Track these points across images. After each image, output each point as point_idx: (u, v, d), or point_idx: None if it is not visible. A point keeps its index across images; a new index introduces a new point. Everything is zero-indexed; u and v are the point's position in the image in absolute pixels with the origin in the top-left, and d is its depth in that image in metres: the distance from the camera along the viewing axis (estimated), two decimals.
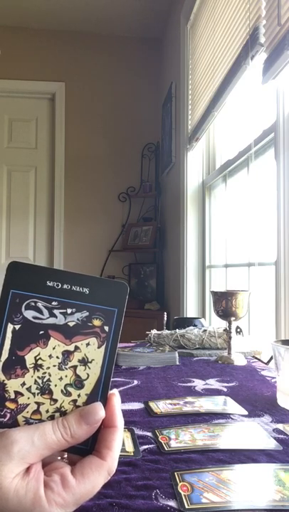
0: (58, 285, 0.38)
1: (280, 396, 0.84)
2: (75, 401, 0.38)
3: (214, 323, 2.17)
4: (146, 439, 0.67)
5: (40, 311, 0.38)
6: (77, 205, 3.65)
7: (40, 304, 0.38)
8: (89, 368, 0.38)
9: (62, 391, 0.38)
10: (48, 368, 0.38)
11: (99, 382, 0.38)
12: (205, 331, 1.40)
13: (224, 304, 1.20)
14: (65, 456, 0.39)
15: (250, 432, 0.70)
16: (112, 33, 3.71)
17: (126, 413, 0.79)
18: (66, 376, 0.38)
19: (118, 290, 0.38)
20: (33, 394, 0.37)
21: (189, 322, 1.62)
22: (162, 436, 0.67)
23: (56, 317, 0.38)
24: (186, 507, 0.47)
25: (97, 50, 3.72)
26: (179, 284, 2.82)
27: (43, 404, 0.38)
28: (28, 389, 0.37)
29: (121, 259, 3.64)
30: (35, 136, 3.72)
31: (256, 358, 1.30)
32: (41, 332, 0.38)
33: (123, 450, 0.62)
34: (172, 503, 0.48)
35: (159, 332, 1.44)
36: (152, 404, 0.83)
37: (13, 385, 0.37)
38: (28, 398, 0.37)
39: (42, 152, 3.71)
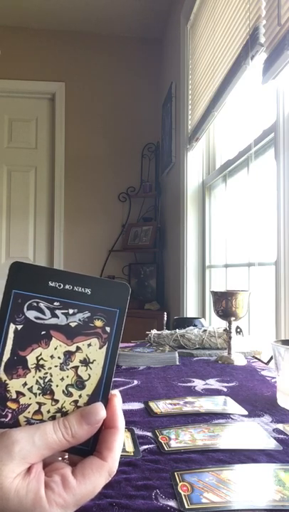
0: (60, 285, 0.38)
1: (280, 396, 0.84)
2: (76, 401, 0.38)
3: (214, 323, 2.17)
4: (146, 439, 0.67)
5: (42, 312, 0.38)
6: (77, 205, 3.65)
7: (42, 305, 0.38)
8: (90, 369, 0.38)
9: (63, 391, 0.38)
10: (50, 368, 0.38)
11: (100, 382, 0.38)
12: (205, 331, 1.40)
13: (224, 303, 1.20)
14: (66, 456, 0.39)
15: (250, 432, 0.70)
16: (112, 33, 3.71)
17: (126, 413, 0.79)
18: (68, 377, 0.38)
19: (120, 291, 0.38)
20: (35, 394, 0.37)
21: (189, 322, 1.62)
22: (162, 436, 0.67)
23: (58, 317, 0.38)
24: (186, 507, 0.47)
25: (97, 50, 3.72)
26: (179, 284, 2.82)
27: (45, 404, 0.38)
28: (30, 389, 0.37)
29: (121, 259, 3.64)
30: (35, 136, 3.72)
31: (256, 358, 1.30)
32: (43, 332, 0.38)
33: (123, 450, 0.62)
34: (172, 503, 0.48)
35: (159, 332, 1.44)
36: (152, 404, 0.83)
37: (14, 385, 0.37)
38: (30, 398, 0.37)
39: (42, 152, 3.71)
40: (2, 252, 3.64)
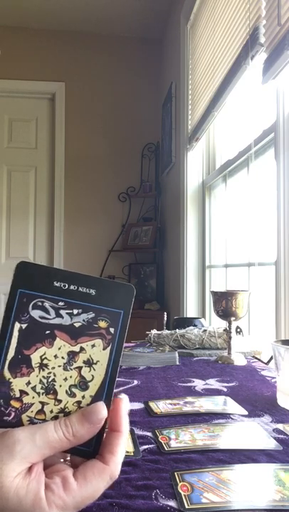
0: (64, 286, 0.38)
1: (280, 396, 0.84)
2: (79, 402, 0.38)
3: (214, 323, 2.17)
4: (146, 439, 0.67)
5: (47, 311, 0.38)
6: (77, 205, 3.65)
7: (47, 304, 0.38)
8: (94, 370, 0.38)
9: (66, 392, 0.38)
10: (53, 367, 0.38)
11: (103, 384, 0.38)
12: (205, 331, 1.40)
13: (224, 303, 1.20)
14: (68, 458, 0.39)
15: (250, 432, 0.70)
16: (112, 33, 3.71)
17: None
18: (71, 377, 0.38)
19: (125, 292, 0.38)
20: (38, 393, 0.37)
21: (189, 322, 1.62)
22: (162, 436, 0.67)
23: (62, 317, 0.38)
24: (186, 507, 0.47)
25: (97, 50, 3.72)
26: (179, 284, 2.82)
27: (48, 404, 0.38)
28: (33, 388, 0.37)
29: (121, 259, 3.64)
30: (35, 136, 3.72)
31: (256, 358, 1.30)
32: (47, 332, 0.38)
33: None
34: (172, 503, 0.48)
35: (159, 332, 1.44)
36: (152, 404, 0.83)
37: (18, 383, 0.37)
38: (33, 397, 0.37)
39: (42, 152, 3.71)
40: (2, 252, 3.64)
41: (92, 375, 0.38)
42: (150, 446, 0.64)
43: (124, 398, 0.39)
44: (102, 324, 0.38)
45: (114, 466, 0.36)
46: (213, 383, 1.00)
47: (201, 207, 2.70)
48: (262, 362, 1.25)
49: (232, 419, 0.76)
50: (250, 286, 1.89)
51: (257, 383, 1.00)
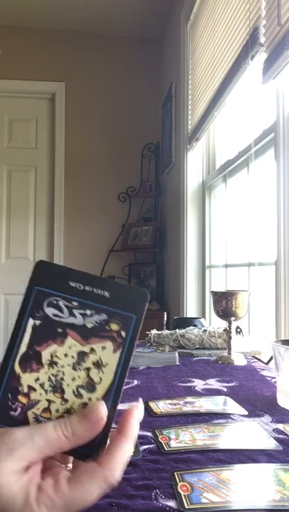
0: (80, 286, 0.39)
1: (280, 396, 0.84)
2: (85, 404, 0.38)
3: (214, 323, 2.17)
4: (146, 439, 0.67)
5: (61, 310, 0.38)
6: (77, 205, 3.65)
7: (61, 303, 0.38)
8: (102, 372, 0.38)
9: (74, 392, 0.38)
10: (63, 366, 0.38)
11: (111, 387, 0.38)
12: (205, 331, 1.40)
13: (224, 303, 1.20)
14: (70, 465, 0.39)
15: (250, 432, 0.70)
16: (112, 33, 3.71)
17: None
18: (79, 377, 0.38)
19: (139, 297, 0.38)
20: (46, 391, 0.37)
21: (189, 322, 1.62)
22: (162, 436, 0.67)
23: (75, 317, 0.38)
24: (186, 507, 0.47)
25: (97, 50, 3.72)
26: (179, 284, 2.82)
27: (54, 402, 0.38)
28: (42, 385, 0.37)
29: (121, 259, 3.64)
30: (35, 136, 3.72)
31: (256, 358, 1.30)
32: (60, 330, 0.38)
33: None
34: (172, 503, 0.48)
35: (159, 332, 1.44)
36: (152, 404, 0.83)
37: (27, 379, 0.37)
38: (40, 394, 0.37)
39: (42, 152, 3.71)
40: (2, 252, 3.63)
41: (101, 378, 0.37)
42: (150, 446, 0.64)
43: (139, 405, 0.38)
44: (114, 327, 0.38)
45: (109, 470, 0.35)
46: (213, 383, 1.00)
47: (201, 207, 2.70)
48: (262, 362, 1.25)
49: (232, 419, 0.76)
50: (250, 286, 1.89)
51: (257, 383, 1.00)
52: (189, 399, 0.86)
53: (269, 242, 1.63)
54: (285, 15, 1.30)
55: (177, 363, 1.20)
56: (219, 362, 1.22)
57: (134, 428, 0.37)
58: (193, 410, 0.79)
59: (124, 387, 0.96)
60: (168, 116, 3.22)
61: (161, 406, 0.82)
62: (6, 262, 3.63)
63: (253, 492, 0.51)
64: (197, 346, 1.37)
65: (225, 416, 0.77)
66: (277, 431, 0.70)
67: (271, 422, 0.75)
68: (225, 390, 0.95)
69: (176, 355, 1.21)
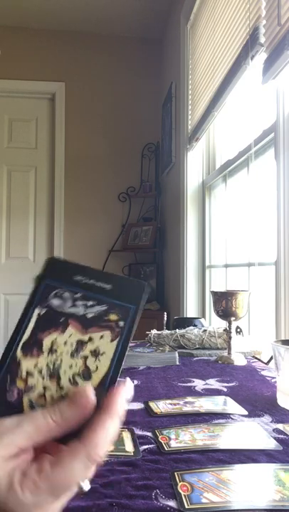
0: (84, 279, 0.41)
1: (280, 396, 0.84)
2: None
3: (214, 323, 2.17)
4: (146, 439, 0.67)
5: (65, 301, 0.41)
6: (77, 205, 3.65)
7: (65, 294, 0.41)
8: (99, 361, 0.39)
9: (69, 379, 0.38)
10: (61, 353, 0.39)
11: (106, 376, 0.38)
12: (205, 331, 1.40)
13: (224, 303, 1.20)
14: None
15: (250, 432, 0.70)
16: (112, 33, 3.71)
17: (126, 413, 0.79)
18: (76, 365, 0.39)
19: (138, 289, 0.40)
20: (43, 377, 0.39)
21: (189, 322, 1.62)
22: (162, 436, 0.67)
23: (77, 307, 0.40)
24: (186, 507, 0.47)
25: (97, 50, 3.72)
26: (179, 284, 2.82)
27: (50, 389, 0.38)
28: (39, 371, 0.39)
29: (121, 259, 3.64)
30: (35, 136, 3.72)
31: (256, 358, 1.30)
32: (62, 319, 0.40)
33: (123, 450, 0.62)
34: (172, 503, 0.48)
35: (159, 332, 1.44)
36: (152, 404, 0.83)
37: (27, 364, 0.39)
38: (37, 380, 0.39)
39: (42, 152, 3.71)
40: (2, 252, 3.63)
41: (97, 366, 0.39)
42: (150, 446, 0.64)
43: (127, 383, 0.38)
44: (113, 317, 0.40)
45: (92, 447, 0.35)
46: (213, 383, 1.00)
47: (201, 207, 2.70)
48: (262, 362, 1.25)
49: (232, 419, 0.76)
50: (250, 286, 1.89)
51: (257, 383, 1.00)
52: (189, 399, 0.86)
53: (269, 242, 1.63)
54: (285, 15, 1.30)
55: (177, 363, 1.20)
56: (219, 362, 1.22)
57: (118, 405, 0.37)
58: (193, 410, 0.79)
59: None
60: (168, 116, 3.22)
61: (161, 406, 0.82)
62: (6, 262, 3.63)
63: (253, 492, 0.51)
64: (197, 346, 1.37)
65: (225, 416, 0.77)
66: (277, 431, 0.70)
67: (271, 422, 0.75)
68: (225, 390, 0.95)
69: (176, 355, 1.21)
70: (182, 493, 0.50)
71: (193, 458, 0.60)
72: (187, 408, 0.81)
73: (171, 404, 0.83)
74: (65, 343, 0.39)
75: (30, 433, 0.35)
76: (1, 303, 3.60)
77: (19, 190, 3.66)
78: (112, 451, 0.61)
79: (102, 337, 0.39)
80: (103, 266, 3.59)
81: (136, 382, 1.01)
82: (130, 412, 0.79)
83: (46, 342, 0.39)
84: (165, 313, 2.06)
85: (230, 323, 1.23)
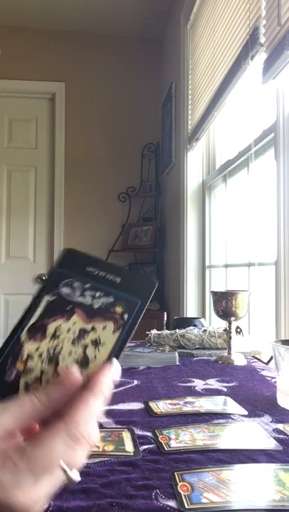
0: (95, 271, 0.42)
1: (280, 396, 0.84)
2: None
3: (214, 323, 2.17)
4: (146, 439, 0.67)
5: (74, 290, 0.42)
6: (77, 205, 3.65)
7: (75, 284, 0.42)
8: (98, 351, 0.39)
9: (67, 366, 0.39)
10: (63, 340, 0.40)
11: (104, 365, 0.39)
12: (205, 331, 1.40)
13: (224, 303, 1.20)
14: None
15: (250, 432, 0.70)
16: (112, 33, 3.71)
17: (126, 413, 0.79)
18: (75, 353, 0.39)
19: (146, 284, 0.41)
20: (42, 361, 0.39)
21: (189, 322, 1.62)
22: (162, 436, 0.67)
23: (85, 297, 0.41)
24: (186, 507, 0.47)
25: (97, 50, 3.72)
26: (179, 284, 2.82)
27: (47, 373, 0.39)
28: (40, 355, 0.39)
29: (121, 259, 3.64)
30: (35, 136, 3.71)
31: (256, 358, 1.30)
32: (69, 307, 0.41)
33: (123, 450, 0.62)
34: (172, 503, 0.48)
35: (159, 332, 1.44)
36: (152, 404, 0.83)
37: (29, 347, 0.40)
38: (36, 364, 0.39)
39: (42, 152, 3.71)
40: (2, 252, 3.63)
41: (96, 356, 0.39)
42: (150, 446, 0.64)
43: (114, 364, 0.38)
44: (118, 310, 0.40)
45: (73, 424, 0.34)
46: (213, 383, 1.00)
47: (201, 207, 2.70)
48: (262, 362, 1.25)
49: (232, 419, 0.76)
50: (250, 286, 1.89)
51: (257, 383, 1.00)
52: (189, 399, 0.86)
53: (269, 242, 1.63)
54: (285, 15, 1.30)
55: (177, 363, 1.20)
56: (219, 362, 1.22)
57: (103, 384, 0.37)
58: (193, 410, 0.79)
59: (125, 387, 0.96)
60: (168, 116, 3.22)
61: (161, 406, 0.82)
62: (6, 262, 3.63)
63: (253, 492, 0.51)
64: (197, 346, 1.37)
65: (225, 416, 0.77)
66: (277, 431, 0.70)
67: (271, 422, 0.75)
68: (225, 390, 0.95)
69: (176, 355, 1.21)
70: (182, 493, 0.50)
71: (193, 458, 0.60)
72: (187, 408, 0.81)
73: (171, 404, 0.83)
74: (68, 330, 0.40)
75: (16, 414, 0.35)
76: (1, 303, 3.59)
77: (19, 190, 3.66)
78: (112, 451, 0.62)
79: (104, 328, 0.40)
80: None
81: (136, 382, 1.01)
82: (130, 412, 0.79)
83: (50, 328, 0.40)
84: (165, 313, 2.06)
85: (230, 323, 1.23)
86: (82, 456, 0.35)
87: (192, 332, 1.39)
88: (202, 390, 0.95)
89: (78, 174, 3.66)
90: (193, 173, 2.72)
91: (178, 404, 0.83)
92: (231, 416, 0.77)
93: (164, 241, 3.45)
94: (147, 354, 1.20)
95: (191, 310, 2.68)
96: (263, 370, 1.14)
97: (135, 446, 0.64)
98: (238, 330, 1.43)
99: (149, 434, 0.69)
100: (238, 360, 1.21)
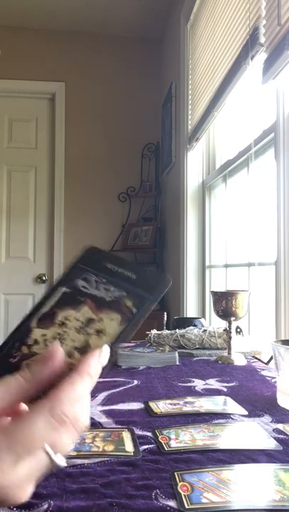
0: (114, 268, 0.43)
1: (280, 396, 0.84)
2: (71, 364, 0.38)
3: (214, 323, 2.17)
4: (146, 439, 0.67)
5: (90, 283, 0.42)
6: (77, 205, 3.65)
7: (91, 278, 0.43)
8: (100, 339, 0.40)
9: (68, 352, 0.39)
10: (70, 328, 0.40)
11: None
12: (205, 331, 1.40)
13: (224, 303, 1.20)
14: None
15: (250, 432, 0.70)
16: (112, 33, 3.71)
17: (126, 413, 0.79)
18: (79, 340, 0.40)
19: (160, 282, 0.43)
20: (47, 346, 0.40)
21: (189, 322, 1.62)
22: (162, 436, 0.67)
23: (99, 290, 0.42)
24: (186, 507, 0.47)
25: (97, 50, 3.72)
26: (179, 284, 2.82)
27: None
28: (45, 341, 0.40)
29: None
30: (35, 136, 3.71)
31: (256, 358, 1.30)
32: (82, 299, 0.42)
33: (123, 450, 0.62)
34: (172, 503, 0.48)
35: (159, 332, 1.44)
36: (152, 404, 0.83)
37: (37, 333, 0.40)
38: (41, 348, 0.40)
39: (42, 152, 3.71)
40: (2, 252, 3.63)
41: (97, 344, 0.39)
42: (150, 446, 0.64)
43: (104, 349, 0.38)
44: (128, 303, 0.41)
45: (55, 400, 0.33)
46: (213, 383, 1.00)
47: (201, 207, 2.70)
48: (262, 362, 1.25)
49: (232, 419, 0.76)
50: (250, 286, 1.89)
51: (257, 383, 1.00)
52: (189, 399, 0.86)
53: (269, 242, 1.63)
54: (285, 15, 1.30)
55: (177, 363, 1.20)
56: (219, 362, 1.22)
57: (90, 366, 0.36)
58: (193, 410, 0.79)
59: (124, 387, 0.96)
60: (168, 116, 3.22)
61: (161, 406, 0.82)
62: (6, 262, 3.63)
63: (253, 492, 0.51)
64: (197, 346, 1.37)
65: (225, 416, 0.77)
66: (277, 431, 0.70)
67: (271, 422, 0.75)
68: (225, 390, 0.95)
69: (176, 355, 1.21)
70: (182, 493, 0.50)
71: (193, 458, 0.60)
72: (187, 408, 0.81)
73: (171, 404, 0.83)
74: (77, 319, 0.40)
75: (0, 395, 0.34)
76: (1, 303, 3.59)
77: (19, 190, 3.66)
78: (112, 451, 0.62)
79: (112, 319, 0.40)
80: None
81: (136, 382, 1.01)
82: (130, 412, 0.79)
83: (60, 316, 0.41)
84: (165, 313, 2.06)
85: (230, 323, 1.23)
86: (67, 440, 0.33)
87: (192, 332, 1.39)
88: (202, 390, 0.95)
89: (78, 174, 3.66)
90: (193, 173, 2.72)
91: (178, 404, 0.83)
92: (231, 416, 0.77)
93: (164, 241, 3.45)
94: (147, 354, 1.20)
95: (191, 310, 2.68)
96: (263, 370, 1.14)
97: (135, 446, 0.64)
98: (238, 330, 1.43)
99: (149, 434, 0.69)
100: (238, 360, 1.21)
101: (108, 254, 0.45)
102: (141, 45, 3.76)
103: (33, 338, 0.40)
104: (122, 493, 0.51)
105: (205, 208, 2.67)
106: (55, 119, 3.66)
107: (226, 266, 2.31)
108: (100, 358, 0.37)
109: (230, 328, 1.23)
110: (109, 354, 0.38)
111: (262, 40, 1.48)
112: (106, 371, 0.38)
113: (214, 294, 1.24)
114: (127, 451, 0.62)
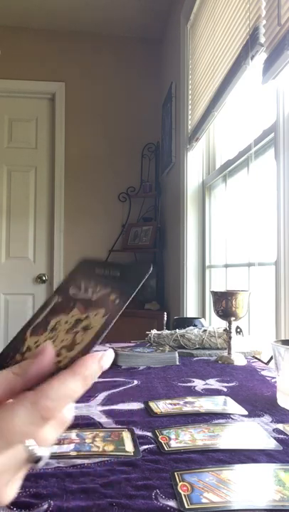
0: (102, 271, 0.45)
1: (280, 396, 0.84)
2: (59, 362, 0.38)
3: (214, 323, 2.17)
4: (146, 439, 0.67)
5: (80, 289, 0.44)
6: (77, 205, 3.65)
7: (81, 284, 0.44)
8: (86, 334, 0.40)
9: (57, 352, 0.39)
10: (60, 331, 0.41)
11: (86, 347, 0.39)
12: (205, 331, 1.40)
13: (224, 303, 1.20)
14: None
15: (250, 432, 0.70)
16: (112, 33, 3.71)
17: (126, 413, 0.79)
18: (67, 340, 0.40)
19: (141, 270, 0.43)
20: None
21: (189, 322, 1.62)
22: (162, 436, 0.67)
23: (88, 293, 0.43)
24: (186, 507, 0.47)
25: (97, 50, 3.72)
26: (179, 284, 2.82)
27: None
28: (37, 346, 0.40)
29: (121, 259, 3.64)
30: (35, 136, 3.71)
31: (256, 358, 1.30)
32: (72, 304, 0.43)
33: (123, 450, 0.62)
34: (172, 503, 0.48)
35: (159, 332, 1.44)
36: (152, 404, 0.83)
37: (30, 341, 0.41)
38: (33, 354, 0.40)
39: (42, 152, 3.71)
40: (2, 252, 3.63)
41: (82, 339, 0.39)
42: (150, 446, 0.64)
43: (107, 351, 0.38)
44: (112, 297, 0.42)
45: (41, 392, 0.33)
46: (213, 383, 1.00)
47: (201, 207, 2.70)
48: (262, 362, 1.25)
49: (232, 419, 0.76)
50: (250, 286, 1.89)
51: (257, 383, 1.00)
52: (189, 399, 0.86)
53: (269, 242, 1.63)
54: (285, 15, 1.30)
55: (177, 363, 1.20)
56: (219, 362, 1.22)
57: (87, 368, 0.35)
58: (193, 410, 0.79)
59: (124, 387, 0.96)
60: (168, 116, 3.22)
61: (161, 406, 0.82)
62: (6, 262, 3.62)
63: (253, 492, 0.51)
64: (197, 346, 1.37)
65: (225, 416, 0.77)
66: (277, 431, 0.70)
67: (271, 422, 0.75)
68: (225, 390, 0.95)
69: (176, 355, 1.21)
70: (182, 493, 0.50)
71: (193, 458, 0.60)
72: (187, 408, 0.81)
73: (171, 404, 0.83)
74: (66, 322, 0.41)
75: None
76: (1, 303, 3.59)
77: (19, 190, 3.66)
78: (112, 451, 0.62)
79: (96, 314, 0.41)
80: None
81: (136, 382, 1.01)
82: (130, 412, 0.79)
83: (52, 323, 0.42)
84: (165, 313, 2.06)
85: (230, 323, 1.23)
86: (49, 435, 0.33)
87: (192, 332, 1.39)
88: (202, 390, 0.95)
89: (78, 174, 3.66)
90: (193, 173, 2.72)
91: (178, 404, 0.83)
92: (231, 416, 0.77)
93: (164, 241, 3.45)
94: (147, 354, 1.20)
95: (191, 310, 2.68)
96: (263, 370, 1.14)
97: (135, 446, 0.64)
98: (238, 330, 1.43)
99: (149, 434, 0.69)
100: (238, 360, 1.21)
101: (98, 261, 0.46)
102: (141, 45, 3.76)
103: (26, 346, 0.41)
104: (122, 493, 0.51)
105: (205, 208, 2.67)
106: (55, 119, 3.66)
107: (226, 266, 2.31)
108: (100, 360, 0.36)
109: (230, 328, 1.23)
110: (111, 357, 0.38)
111: (262, 40, 1.48)
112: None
113: (214, 294, 1.24)
114: (127, 451, 0.62)
